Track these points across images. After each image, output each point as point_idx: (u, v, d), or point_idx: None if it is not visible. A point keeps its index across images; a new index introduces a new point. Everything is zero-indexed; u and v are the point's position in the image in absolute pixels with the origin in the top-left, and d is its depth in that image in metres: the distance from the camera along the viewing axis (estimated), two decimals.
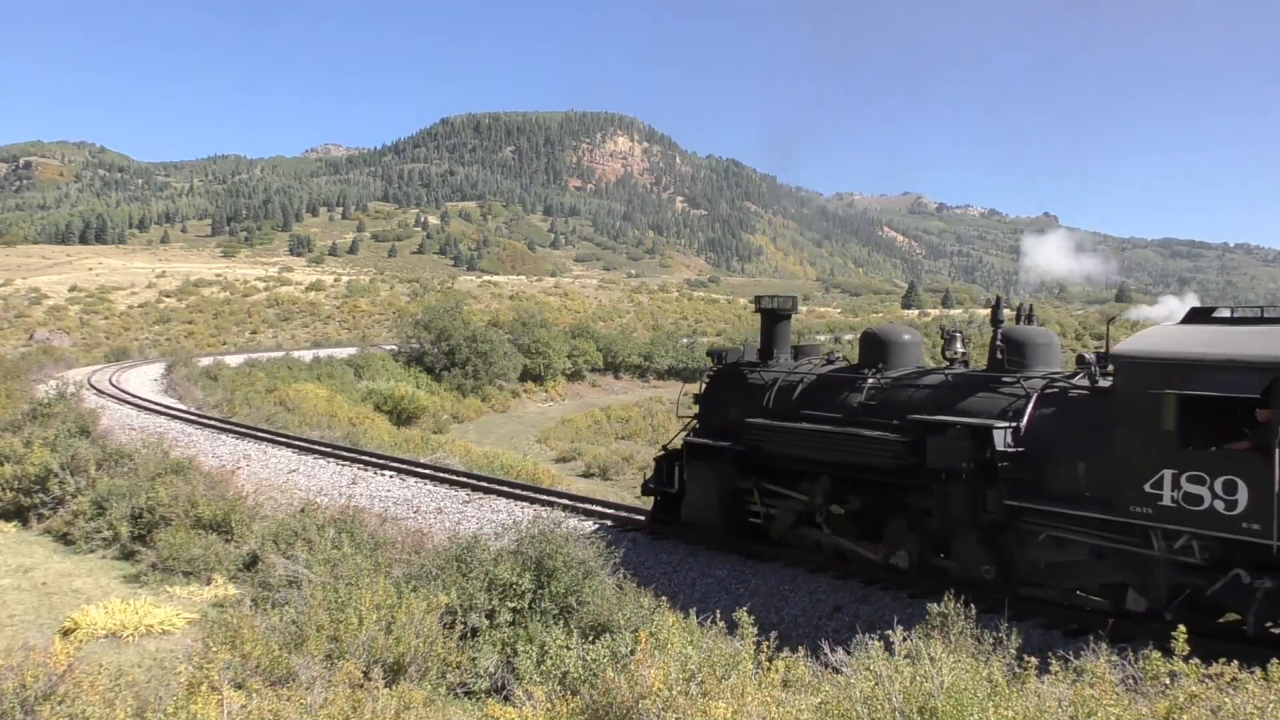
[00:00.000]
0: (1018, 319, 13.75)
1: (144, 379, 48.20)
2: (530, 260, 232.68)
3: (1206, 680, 6.49)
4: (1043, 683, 6.75)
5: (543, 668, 8.81)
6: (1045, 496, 11.58)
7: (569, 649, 8.55)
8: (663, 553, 15.43)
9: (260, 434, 28.47)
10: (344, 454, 25.27)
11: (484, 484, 21.02)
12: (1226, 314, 11.32)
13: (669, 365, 78.73)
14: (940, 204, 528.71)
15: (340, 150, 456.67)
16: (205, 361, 56.69)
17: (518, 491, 20.11)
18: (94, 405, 29.07)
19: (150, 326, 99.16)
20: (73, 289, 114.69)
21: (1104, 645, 7.99)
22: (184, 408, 35.77)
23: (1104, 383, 11.55)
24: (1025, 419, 11.89)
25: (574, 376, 72.45)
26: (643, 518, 16.98)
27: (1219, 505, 10.04)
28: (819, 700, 6.52)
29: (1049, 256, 15.94)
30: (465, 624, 9.71)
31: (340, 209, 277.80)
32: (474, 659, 9.41)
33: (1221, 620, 10.78)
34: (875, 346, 14.42)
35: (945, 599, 9.15)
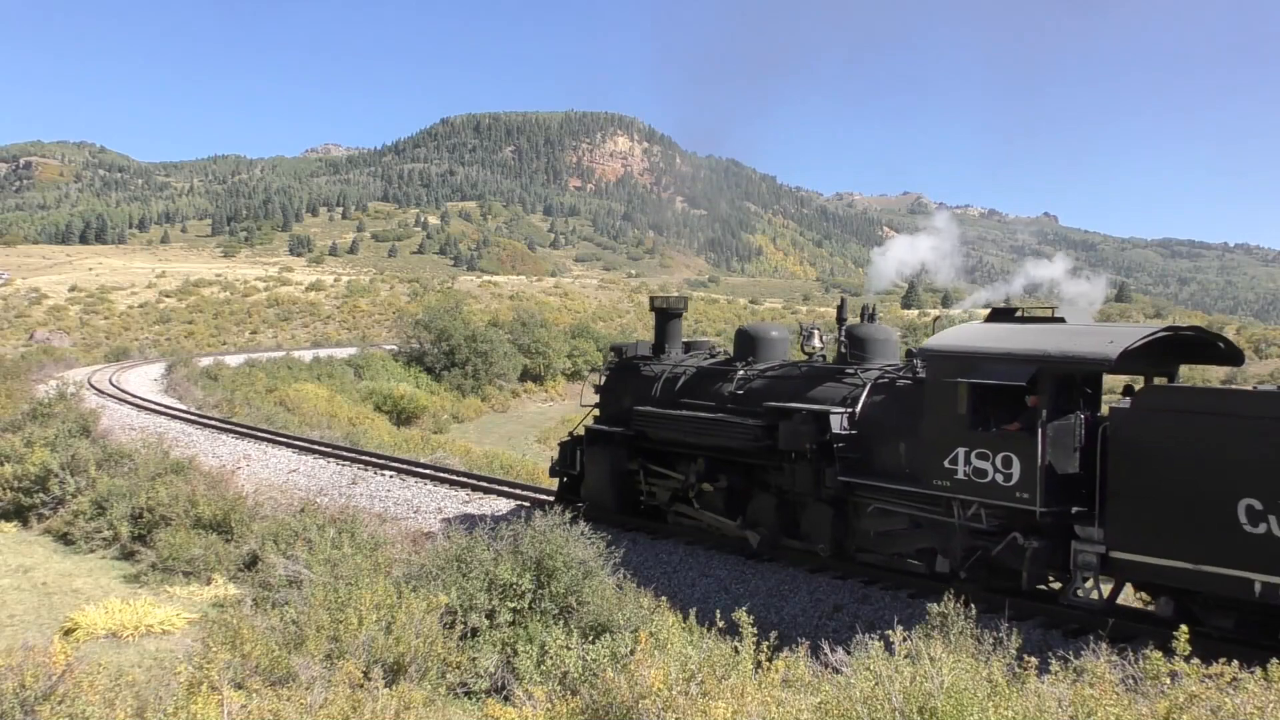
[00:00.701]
0: (861, 318, 15.21)
1: (144, 379, 48.20)
2: (530, 260, 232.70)
3: (1206, 680, 6.49)
4: (1043, 683, 6.75)
5: (543, 668, 8.81)
6: (873, 473, 13.23)
7: (569, 649, 8.55)
8: (663, 553, 15.44)
9: (260, 434, 28.49)
10: (344, 454, 25.28)
11: (484, 484, 21.05)
12: (1041, 313, 13.11)
13: None
14: (940, 204, 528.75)
15: (340, 150, 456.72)
16: (205, 361, 56.69)
17: (516, 490, 20.18)
18: (94, 405, 29.06)
19: (150, 326, 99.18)
20: (73, 289, 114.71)
21: (1104, 645, 8.00)
22: (184, 408, 35.78)
23: (924, 374, 12.93)
24: (859, 406, 13.51)
25: (574, 376, 72.49)
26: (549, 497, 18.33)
27: (999, 478, 11.66)
28: (819, 700, 6.51)
29: (896, 257, 17.64)
30: (465, 624, 9.71)
31: (340, 209, 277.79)
32: (474, 659, 9.41)
33: (1064, 595, 11.79)
34: (746, 342, 16.03)
35: (945, 599, 9.15)
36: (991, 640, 8.08)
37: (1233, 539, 10.03)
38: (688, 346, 17.83)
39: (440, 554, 10.77)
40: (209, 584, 13.77)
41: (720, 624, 8.55)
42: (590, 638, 9.16)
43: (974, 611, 8.93)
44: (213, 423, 30.95)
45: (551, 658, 8.63)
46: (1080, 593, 11.51)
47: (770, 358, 15.82)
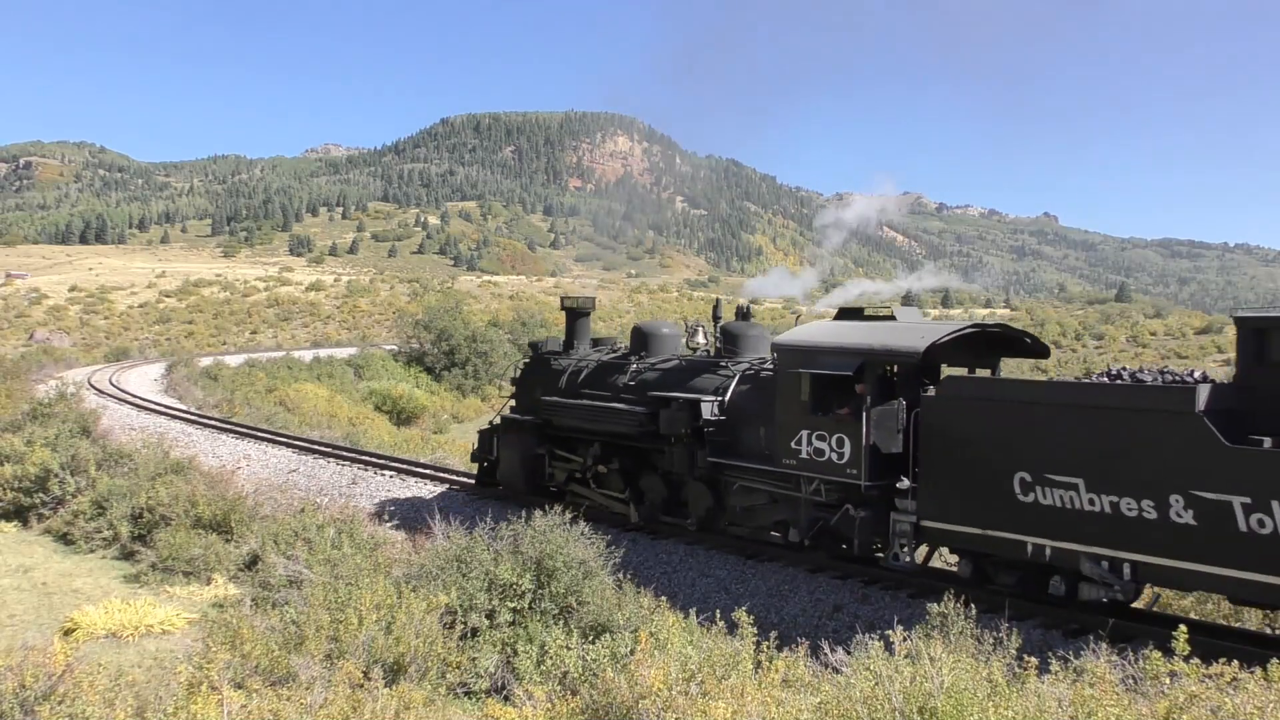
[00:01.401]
0: (737, 316, 17.16)
1: (144, 379, 48.21)
2: (530, 260, 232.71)
3: (1206, 680, 6.49)
4: (1043, 683, 6.75)
5: (543, 668, 8.81)
6: (738, 455, 14.85)
7: (569, 649, 8.54)
8: (662, 553, 15.44)
9: (260, 434, 28.49)
10: (344, 454, 25.30)
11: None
12: (886, 311, 14.74)
13: None
14: (940, 204, 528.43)
15: (340, 150, 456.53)
16: (205, 361, 56.71)
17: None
18: (94, 405, 29.07)
19: (150, 326, 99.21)
20: (73, 289, 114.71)
21: (1104, 645, 8.00)
22: (184, 408, 35.78)
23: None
24: (728, 395, 15.14)
25: None
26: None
27: (834, 457, 13.38)
28: (819, 700, 6.51)
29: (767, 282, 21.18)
30: (465, 624, 9.70)
31: (340, 209, 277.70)
32: (474, 659, 9.40)
33: (885, 560, 13.55)
34: (640, 338, 17.72)
35: (945, 598, 9.15)
36: (991, 640, 8.08)
37: (1010, 507, 11.72)
38: (596, 343, 19.38)
39: (440, 554, 10.77)
40: (209, 584, 13.77)
41: (720, 624, 8.55)
42: (590, 638, 9.15)
43: (974, 612, 8.93)
44: (213, 423, 30.96)
45: (551, 658, 8.63)
46: (898, 557, 13.15)
47: (661, 352, 17.37)
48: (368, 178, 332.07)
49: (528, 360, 19.78)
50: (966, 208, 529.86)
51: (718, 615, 8.87)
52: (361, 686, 7.28)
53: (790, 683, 7.42)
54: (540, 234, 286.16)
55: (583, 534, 10.76)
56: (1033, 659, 7.07)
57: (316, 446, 26.22)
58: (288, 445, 26.53)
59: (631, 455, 16.82)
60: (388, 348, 69.79)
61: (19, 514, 17.57)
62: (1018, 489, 11.65)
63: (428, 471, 22.67)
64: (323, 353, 67.75)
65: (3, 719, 6.54)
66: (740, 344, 16.20)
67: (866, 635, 7.47)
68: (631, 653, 7.73)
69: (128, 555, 15.19)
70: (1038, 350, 14.49)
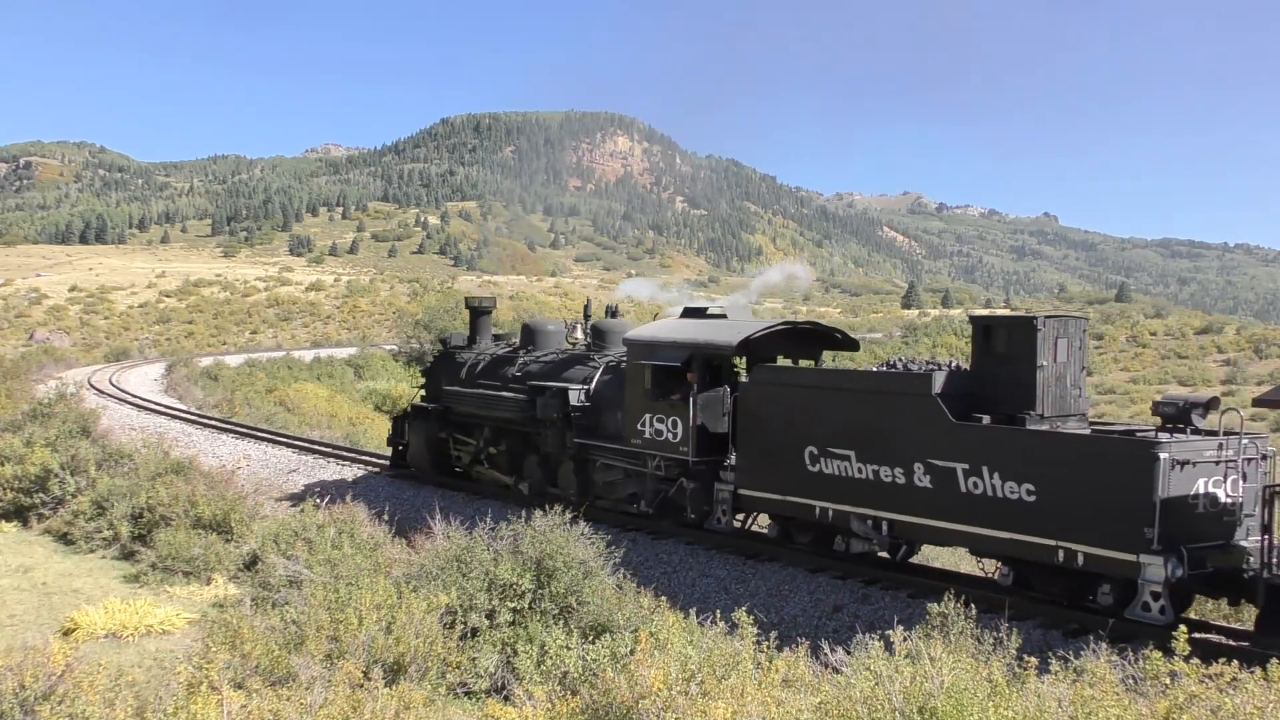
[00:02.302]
0: (606, 315, 19.41)
1: (144, 379, 48.19)
2: (530, 260, 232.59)
3: (1206, 680, 6.49)
4: (1043, 683, 6.75)
5: (543, 668, 8.80)
6: (600, 436, 17.02)
7: (569, 649, 8.54)
8: (663, 553, 15.44)
9: (260, 434, 28.50)
10: (344, 454, 25.31)
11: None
12: (716, 310, 17.09)
13: None
14: (940, 204, 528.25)
15: (340, 150, 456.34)
16: (205, 361, 56.72)
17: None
18: (94, 405, 29.06)
19: (150, 326, 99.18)
20: (73, 289, 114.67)
21: (1104, 645, 7.99)
22: (184, 408, 35.77)
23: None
24: (593, 384, 17.28)
25: None
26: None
27: (670, 436, 15.61)
28: (819, 700, 6.51)
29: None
30: (465, 624, 9.70)
31: (340, 209, 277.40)
32: (474, 659, 9.40)
33: (706, 524, 15.60)
34: (528, 334, 19.84)
35: (945, 599, 9.16)
36: (991, 640, 8.08)
37: (803, 476, 13.95)
38: (497, 338, 21.35)
39: (440, 554, 10.76)
40: (209, 584, 13.77)
41: (720, 624, 8.55)
42: (590, 638, 9.15)
43: (974, 612, 8.94)
44: (213, 423, 30.96)
45: (551, 658, 8.63)
46: (720, 521, 15.41)
47: (545, 347, 19.36)
48: (368, 178, 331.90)
49: (437, 354, 21.78)
50: (966, 208, 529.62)
51: (718, 615, 8.88)
52: (361, 686, 7.28)
53: (790, 683, 7.42)
54: (540, 234, 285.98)
55: (583, 534, 10.76)
56: (1033, 659, 7.07)
57: (316, 446, 26.22)
58: (288, 445, 26.54)
59: (517, 438, 18.87)
60: (388, 348, 69.78)
61: (19, 514, 17.56)
62: (808, 461, 13.92)
63: (351, 455, 24.99)
64: (323, 353, 67.75)
65: (3, 719, 6.53)
66: (608, 339, 18.19)
67: (866, 635, 7.47)
68: (631, 653, 7.73)
69: (128, 555, 15.19)
70: (848, 344, 16.92)
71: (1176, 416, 11.87)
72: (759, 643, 7.87)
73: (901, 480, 12.85)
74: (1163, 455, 10.79)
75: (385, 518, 14.37)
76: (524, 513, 11.37)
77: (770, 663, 7.48)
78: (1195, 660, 6.78)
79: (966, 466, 12.15)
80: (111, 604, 11.98)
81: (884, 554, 14.49)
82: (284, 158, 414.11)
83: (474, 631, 9.72)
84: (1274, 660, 6.97)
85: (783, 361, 16.29)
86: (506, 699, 8.86)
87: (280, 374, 52.24)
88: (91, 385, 39.89)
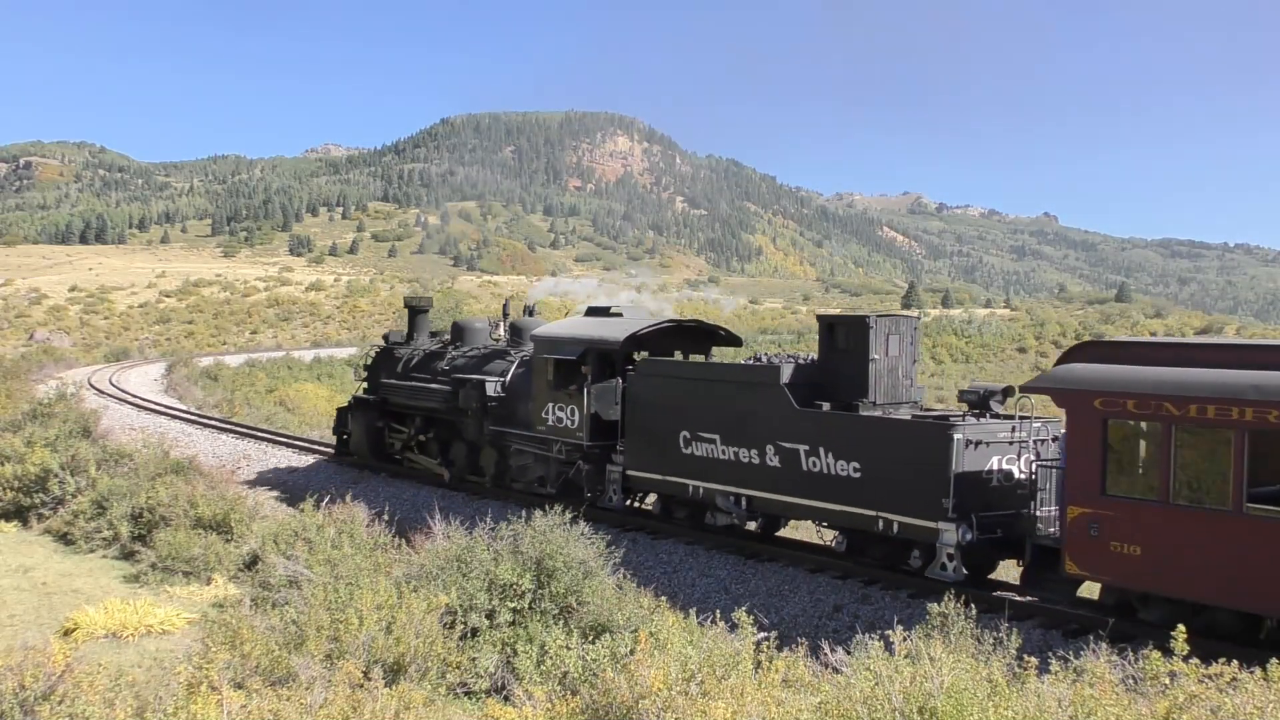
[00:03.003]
0: (525, 313, 21.57)
1: (144, 379, 48.17)
2: (530, 260, 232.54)
3: (1206, 680, 6.49)
4: (1043, 683, 6.75)
5: (543, 668, 8.80)
6: (513, 424, 18.67)
7: (569, 649, 8.54)
8: (662, 553, 15.45)
9: (260, 434, 28.49)
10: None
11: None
12: (617, 310, 18.69)
13: None
14: (940, 204, 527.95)
15: (340, 150, 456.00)
16: (205, 361, 56.71)
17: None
18: (94, 405, 29.06)
19: (150, 326, 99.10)
20: (73, 289, 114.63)
21: (1104, 645, 7.99)
22: (184, 408, 35.77)
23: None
24: (508, 377, 18.92)
25: None
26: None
27: (569, 423, 17.36)
28: (819, 700, 6.51)
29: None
30: (465, 624, 9.70)
31: (340, 209, 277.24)
32: (474, 659, 9.40)
33: (598, 501, 17.24)
34: (457, 331, 21.50)
35: (945, 598, 9.16)
36: (991, 640, 8.08)
37: (679, 458, 15.71)
38: (434, 335, 22.88)
39: (440, 554, 10.76)
40: (209, 584, 13.77)
41: (720, 624, 8.55)
42: (590, 638, 9.15)
43: (974, 612, 8.94)
44: (213, 423, 30.96)
45: (551, 658, 8.63)
46: (611, 499, 17.20)
47: (473, 343, 20.91)
48: (368, 178, 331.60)
49: (378, 349, 23.44)
50: (966, 208, 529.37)
51: (718, 615, 8.87)
52: (361, 686, 7.28)
53: (790, 683, 7.42)
54: (540, 234, 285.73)
55: (583, 534, 10.76)
56: (1033, 659, 7.07)
57: (316, 446, 26.20)
58: (288, 445, 26.52)
59: (443, 426, 20.64)
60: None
61: (19, 514, 17.56)
62: (683, 444, 15.70)
63: (304, 444, 26.83)
64: (323, 353, 67.71)
65: (3, 718, 6.53)
66: (524, 336, 19.61)
67: (866, 635, 7.47)
68: (631, 653, 7.72)
69: (128, 555, 15.18)
70: (731, 340, 18.73)
71: (978, 403, 13.49)
72: (759, 643, 7.87)
73: (756, 461, 14.64)
74: (957, 436, 12.39)
75: (385, 518, 14.37)
76: (524, 513, 11.38)
77: (770, 663, 7.48)
78: (1195, 660, 6.78)
79: (807, 448, 13.91)
80: (111, 604, 11.98)
81: (751, 526, 15.92)
82: (284, 158, 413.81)
83: (474, 631, 9.72)
84: (1274, 660, 6.97)
85: (682, 357, 17.97)
86: (506, 699, 8.86)
87: (280, 374, 52.21)
88: (91, 385, 39.89)
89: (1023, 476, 12.57)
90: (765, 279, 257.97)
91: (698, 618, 9.43)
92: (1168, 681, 6.83)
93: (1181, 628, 7.21)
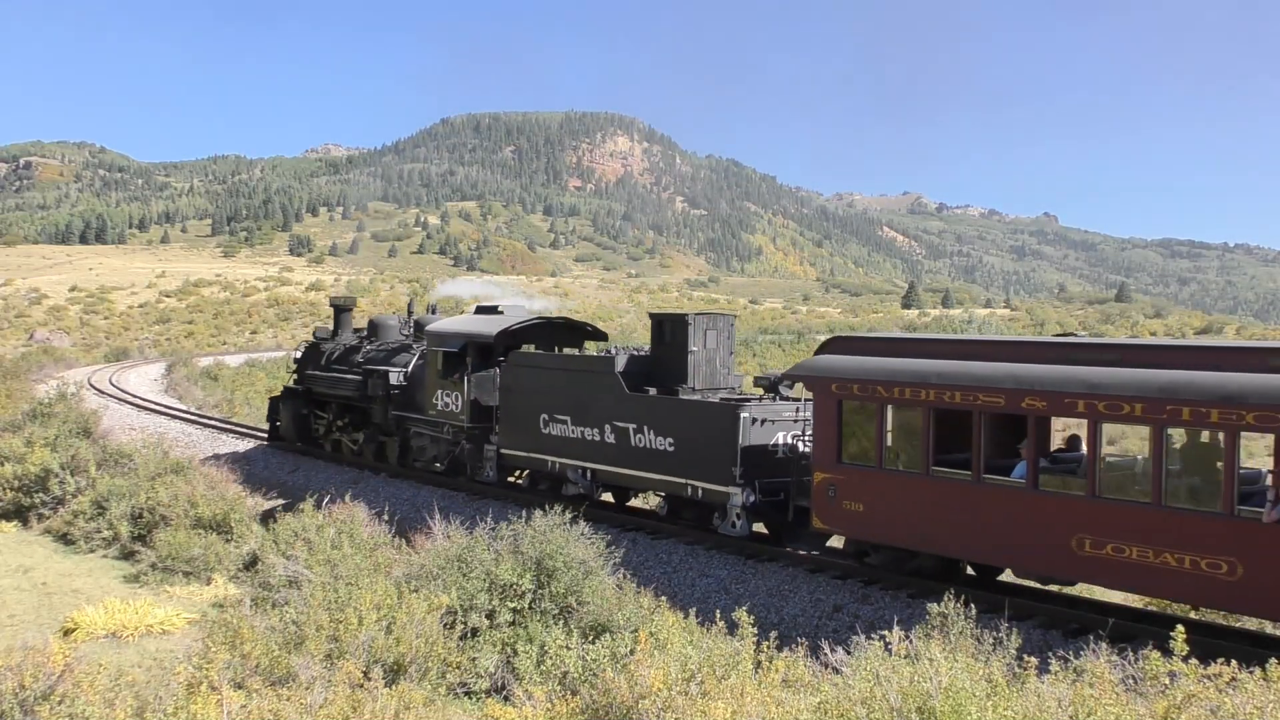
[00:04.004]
0: (427, 312, 23.94)
1: (144, 379, 48.15)
2: (530, 260, 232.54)
3: (1205, 680, 6.49)
4: (1043, 683, 6.75)
5: (543, 668, 8.80)
6: (412, 409, 20.86)
7: (569, 649, 8.54)
8: (662, 553, 15.44)
9: (260, 434, 28.46)
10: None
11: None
12: (496, 307, 20.90)
13: None
14: (940, 204, 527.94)
15: (340, 150, 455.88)
16: (205, 361, 56.68)
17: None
18: (94, 405, 29.05)
19: (150, 326, 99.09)
20: (73, 289, 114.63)
21: (1104, 645, 7.99)
22: (184, 408, 35.76)
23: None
24: (409, 367, 21.14)
25: None
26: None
27: (454, 408, 19.57)
28: (818, 700, 6.51)
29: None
30: (465, 624, 9.70)
31: (340, 209, 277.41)
32: (474, 659, 9.40)
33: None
34: (373, 327, 23.75)
35: (945, 598, 9.15)
36: (991, 640, 8.08)
37: (540, 437, 17.82)
38: (357, 331, 24.90)
39: (440, 554, 10.76)
40: (209, 584, 13.78)
41: (720, 624, 8.54)
42: (590, 638, 9.15)
43: (974, 612, 8.94)
44: (213, 423, 30.95)
45: (551, 658, 8.63)
46: (487, 475, 19.19)
47: (386, 338, 23.02)
48: (368, 178, 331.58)
49: (308, 344, 25.58)
50: (966, 208, 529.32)
51: (718, 615, 8.87)
52: (361, 686, 7.28)
53: (790, 683, 7.42)
54: (540, 234, 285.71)
55: (583, 534, 10.76)
56: (1033, 659, 7.07)
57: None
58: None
59: (357, 412, 22.89)
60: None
61: (19, 514, 17.57)
62: (543, 425, 17.76)
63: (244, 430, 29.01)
64: None
65: (3, 718, 6.54)
66: (423, 332, 21.64)
67: (866, 635, 7.47)
68: (631, 653, 7.73)
69: (128, 555, 15.19)
70: (598, 335, 21.04)
71: (769, 387, 15.67)
72: (759, 643, 7.87)
73: (598, 438, 16.76)
74: (744, 415, 14.55)
75: (385, 518, 14.37)
76: (524, 512, 11.38)
77: (770, 663, 7.48)
78: (1194, 660, 6.78)
79: (635, 426, 16.12)
80: (111, 604, 11.99)
81: (608, 498, 18.25)
82: (284, 158, 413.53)
83: (474, 631, 9.73)
84: (1273, 660, 6.97)
85: (558, 351, 19.95)
86: (506, 699, 8.87)
87: (280, 374, 52.12)
88: (91, 385, 39.87)
89: (806, 450, 14.45)
90: (765, 279, 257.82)
91: (698, 618, 9.43)
92: (1167, 681, 6.83)
93: (1181, 628, 7.22)
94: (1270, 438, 10.07)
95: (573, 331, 20.67)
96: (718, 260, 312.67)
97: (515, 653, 9.54)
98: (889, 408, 12.79)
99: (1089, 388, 10.88)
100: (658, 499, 16.97)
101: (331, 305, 26.05)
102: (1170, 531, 10.25)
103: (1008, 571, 12.83)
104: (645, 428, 15.92)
